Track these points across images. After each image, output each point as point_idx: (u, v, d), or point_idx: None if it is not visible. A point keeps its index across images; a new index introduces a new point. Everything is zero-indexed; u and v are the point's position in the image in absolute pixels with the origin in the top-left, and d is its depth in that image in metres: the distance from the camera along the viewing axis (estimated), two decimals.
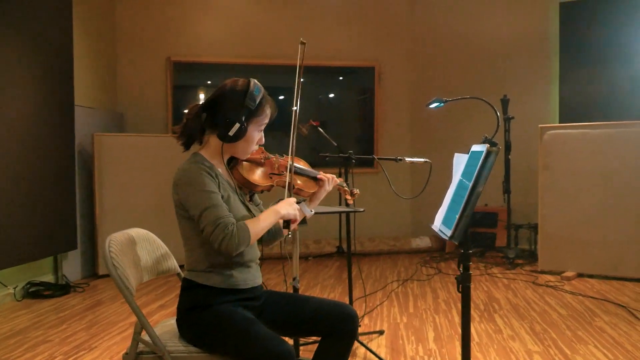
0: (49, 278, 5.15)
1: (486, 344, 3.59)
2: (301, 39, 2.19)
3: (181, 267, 2.37)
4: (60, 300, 4.79)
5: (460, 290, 2.11)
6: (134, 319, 4.12)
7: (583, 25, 6.23)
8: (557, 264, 5.52)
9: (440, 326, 3.98)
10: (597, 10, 6.15)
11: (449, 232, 2.09)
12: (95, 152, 5.57)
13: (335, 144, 5.47)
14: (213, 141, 2.13)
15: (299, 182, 2.29)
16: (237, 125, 2.05)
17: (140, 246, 2.31)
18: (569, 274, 5.35)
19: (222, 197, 2.04)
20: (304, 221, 2.40)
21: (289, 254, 2.89)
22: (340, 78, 7.62)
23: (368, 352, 3.41)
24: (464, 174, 2.20)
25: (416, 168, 7.06)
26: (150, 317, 4.21)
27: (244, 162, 2.21)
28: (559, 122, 6.31)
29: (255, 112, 2.10)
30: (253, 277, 2.16)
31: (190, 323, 2.06)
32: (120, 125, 6.62)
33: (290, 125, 2.18)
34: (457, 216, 2.03)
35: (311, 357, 2.18)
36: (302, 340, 3.30)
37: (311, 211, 2.33)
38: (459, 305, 4.42)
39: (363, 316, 4.18)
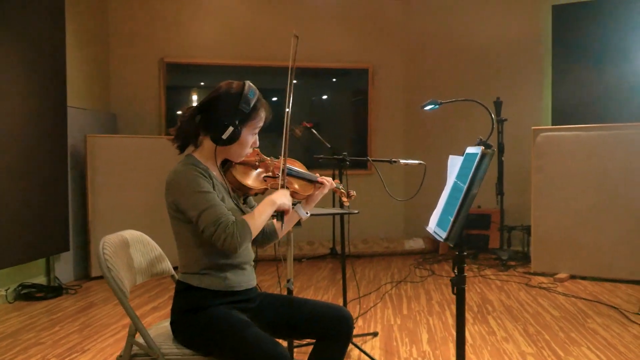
0: (41, 280, 5.12)
1: (480, 345, 3.60)
2: (294, 32, 2.16)
3: (175, 268, 2.36)
4: (53, 302, 4.76)
5: (455, 292, 2.11)
6: (126, 321, 4.11)
7: (575, 27, 6.26)
8: (550, 265, 5.54)
9: (434, 328, 3.98)
10: (589, 13, 6.18)
11: (444, 234, 2.09)
12: (88, 153, 5.55)
13: (329, 146, 5.48)
14: (207, 144, 2.12)
15: (294, 185, 2.28)
16: (231, 128, 2.04)
17: (135, 248, 2.31)
18: (562, 275, 5.37)
19: (217, 197, 2.03)
20: (298, 223, 2.40)
21: (283, 256, 2.88)
22: (334, 80, 7.62)
23: (362, 354, 3.42)
24: (458, 176, 2.20)
25: (409, 170, 7.04)
26: (143, 319, 4.19)
27: (238, 165, 2.19)
28: (552, 124, 6.34)
29: (249, 115, 2.09)
30: (248, 279, 2.16)
31: (185, 325, 2.05)
32: (113, 127, 6.59)
33: (283, 126, 2.17)
34: (452, 218, 2.03)
35: (305, 359, 2.18)
36: (295, 342, 3.30)
37: (307, 213, 2.32)
38: (453, 307, 4.45)
39: (357, 318, 4.18)
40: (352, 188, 2.55)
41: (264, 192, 2.23)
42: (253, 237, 2.02)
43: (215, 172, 2.12)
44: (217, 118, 2.05)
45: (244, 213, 2.15)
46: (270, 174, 2.24)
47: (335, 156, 3.59)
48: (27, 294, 4.84)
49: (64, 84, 5.16)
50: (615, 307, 4.40)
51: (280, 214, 2.11)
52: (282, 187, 2.17)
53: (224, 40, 7.01)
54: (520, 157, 6.41)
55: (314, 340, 2.19)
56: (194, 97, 7.17)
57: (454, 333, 3.75)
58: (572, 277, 5.44)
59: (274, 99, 6.10)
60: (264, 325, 2.10)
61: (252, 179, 2.19)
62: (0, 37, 4.35)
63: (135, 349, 2.08)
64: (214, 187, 2.05)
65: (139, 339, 2.07)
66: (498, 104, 6.23)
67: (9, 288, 4.77)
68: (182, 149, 2.16)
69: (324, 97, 7.70)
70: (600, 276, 5.32)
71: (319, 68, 7.20)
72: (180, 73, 7.03)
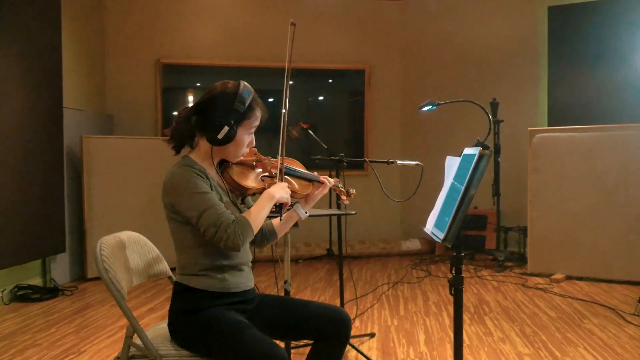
0: (37, 281, 5.10)
1: (477, 346, 3.60)
2: (291, 20, 2.14)
3: (172, 270, 2.35)
4: (49, 304, 4.74)
5: (452, 292, 2.11)
6: (123, 322, 4.11)
7: (572, 29, 6.28)
8: (546, 266, 5.55)
9: (431, 329, 3.98)
10: (585, 15, 6.20)
11: (441, 235, 2.09)
12: (84, 154, 5.53)
13: (326, 147, 5.49)
14: (203, 144, 2.11)
15: (293, 184, 2.26)
16: (226, 128, 2.03)
17: (132, 249, 2.30)
18: (558, 276, 5.38)
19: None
20: (295, 224, 2.39)
21: (280, 257, 2.88)
22: (330, 81, 7.62)
23: (359, 355, 3.41)
24: (456, 177, 2.20)
25: (406, 171, 7.09)
26: (140, 320, 4.18)
27: (235, 165, 2.18)
28: (548, 126, 6.35)
29: (244, 114, 2.08)
30: (246, 280, 2.15)
31: (183, 327, 2.04)
32: (109, 128, 6.58)
33: (279, 127, 2.16)
34: (450, 219, 2.03)
35: None
36: (292, 343, 3.30)
37: (306, 213, 2.31)
38: (450, 307, 4.46)
39: (354, 319, 4.18)
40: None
41: (261, 192, 2.20)
42: (255, 233, 2.02)
43: (212, 173, 2.11)
44: (213, 118, 2.04)
45: (242, 213, 2.13)
46: (267, 173, 2.22)
47: (332, 157, 3.59)
48: (23, 295, 4.83)
49: (60, 85, 5.15)
50: (611, 308, 4.41)
51: (279, 207, 2.09)
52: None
53: (220, 41, 7.00)
54: (517, 158, 6.43)
55: (311, 341, 2.19)
56: (190, 98, 7.16)
57: (451, 334, 3.76)
58: (569, 277, 5.45)
59: (270, 99, 6.10)
60: (261, 326, 2.10)
61: (249, 179, 2.17)
62: None
63: (132, 350, 2.07)
64: (211, 187, 2.04)
65: (136, 340, 2.07)
66: (494, 105, 6.25)
67: (5, 289, 4.75)
68: (177, 149, 2.15)
69: (320, 98, 7.70)
70: (597, 277, 5.34)
71: (315, 69, 7.20)
72: (176, 74, 7.02)
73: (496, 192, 6.32)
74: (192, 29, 6.95)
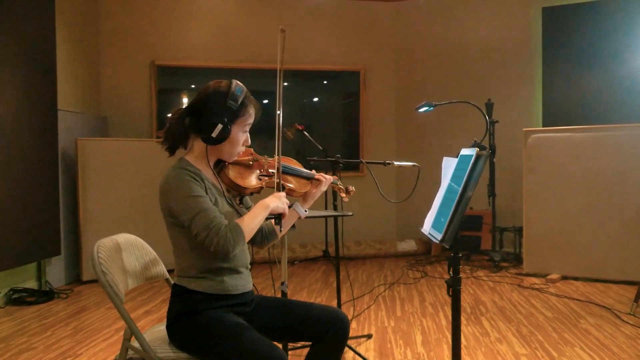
0: (32, 284, 5.08)
1: (474, 347, 3.61)
2: (281, 27, 2.14)
3: (170, 271, 2.34)
4: (44, 307, 4.72)
5: (450, 293, 2.11)
6: (119, 325, 4.09)
7: (566, 29, 6.30)
8: (542, 266, 5.57)
9: (428, 329, 3.98)
10: (579, 15, 6.22)
11: (439, 236, 2.09)
12: (79, 156, 5.52)
13: (321, 148, 5.48)
14: (198, 145, 2.11)
15: (290, 183, 2.25)
16: (220, 126, 2.02)
17: (129, 252, 2.29)
18: (554, 276, 5.39)
19: (210, 201, 2.02)
20: (292, 226, 2.39)
21: (277, 258, 2.88)
22: (325, 82, 7.62)
23: (357, 356, 3.41)
24: (453, 178, 2.20)
25: (402, 172, 7.09)
26: (137, 323, 4.13)
27: (231, 165, 2.16)
28: (543, 126, 6.37)
29: (237, 112, 2.07)
30: (244, 282, 2.15)
31: (181, 329, 2.04)
32: (104, 130, 6.56)
33: (274, 128, 2.13)
34: (448, 220, 2.04)
35: None
36: (290, 345, 3.29)
37: (305, 211, 2.31)
38: (446, 308, 4.46)
39: (351, 320, 4.18)
40: None
41: (259, 191, 2.19)
42: (246, 240, 2.01)
43: (208, 174, 2.11)
44: (206, 117, 2.03)
45: (239, 213, 2.13)
46: (264, 172, 2.21)
47: (328, 158, 3.59)
48: (18, 298, 4.80)
49: (55, 87, 5.13)
50: (607, 308, 4.42)
51: (278, 217, 2.09)
52: (278, 185, 2.14)
53: (215, 43, 6.99)
54: (512, 159, 6.44)
55: (309, 343, 2.19)
56: (185, 100, 7.15)
57: (448, 334, 3.77)
58: (564, 277, 5.47)
59: (265, 101, 6.09)
60: (260, 328, 2.09)
61: (247, 179, 2.16)
62: None
63: (130, 353, 2.07)
64: (206, 190, 2.03)
65: (134, 342, 2.06)
66: (489, 106, 6.26)
67: (0, 293, 4.73)
68: (171, 151, 2.14)
69: (316, 99, 7.70)
70: (592, 277, 5.35)
71: (310, 70, 7.20)
72: (171, 76, 7.00)
73: (491, 193, 6.34)
74: (187, 31, 6.94)
